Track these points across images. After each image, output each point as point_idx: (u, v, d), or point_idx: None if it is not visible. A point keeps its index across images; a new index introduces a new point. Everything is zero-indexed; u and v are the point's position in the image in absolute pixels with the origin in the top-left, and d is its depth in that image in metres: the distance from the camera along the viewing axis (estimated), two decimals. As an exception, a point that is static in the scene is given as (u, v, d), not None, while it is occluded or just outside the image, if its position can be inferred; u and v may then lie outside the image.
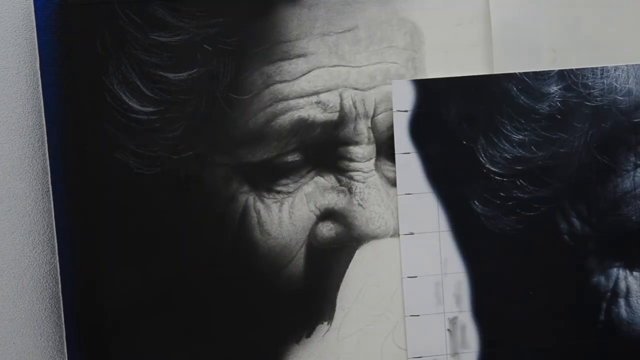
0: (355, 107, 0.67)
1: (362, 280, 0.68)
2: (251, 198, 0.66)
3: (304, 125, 0.66)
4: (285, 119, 0.66)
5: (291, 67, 0.66)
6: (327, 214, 0.67)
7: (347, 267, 0.68)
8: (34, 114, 0.64)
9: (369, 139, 0.67)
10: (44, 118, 0.63)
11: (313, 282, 0.67)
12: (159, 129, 0.64)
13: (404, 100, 0.68)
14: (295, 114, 0.66)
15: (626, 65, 0.70)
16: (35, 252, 0.65)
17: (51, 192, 0.63)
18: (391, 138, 0.68)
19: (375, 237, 0.68)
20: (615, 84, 0.69)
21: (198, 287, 0.65)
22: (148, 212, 0.64)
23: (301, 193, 0.67)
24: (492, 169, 0.69)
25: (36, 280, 0.65)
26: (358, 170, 0.67)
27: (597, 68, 0.69)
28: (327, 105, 0.66)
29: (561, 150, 0.69)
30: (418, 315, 0.69)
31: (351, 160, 0.67)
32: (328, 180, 0.67)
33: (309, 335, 0.67)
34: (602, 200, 0.70)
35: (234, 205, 0.66)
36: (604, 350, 0.70)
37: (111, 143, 0.63)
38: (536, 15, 0.70)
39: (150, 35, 0.63)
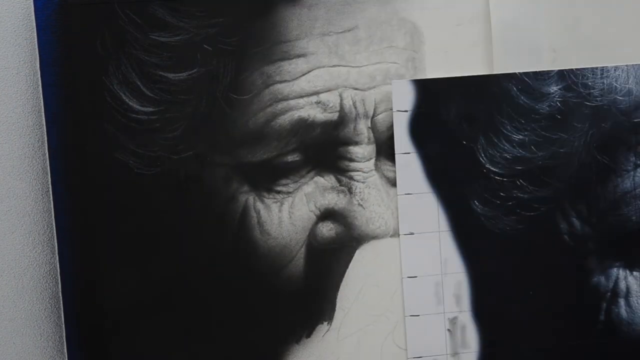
0: (355, 107, 0.67)
1: (362, 280, 0.68)
2: (251, 198, 0.66)
3: (304, 125, 0.66)
4: (285, 119, 0.66)
5: (291, 67, 0.66)
6: (327, 214, 0.67)
7: (347, 267, 0.68)
8: (34, 114, 0.64)
9: (369, 139, 0.67)
10: (44, 118, 0.63)
11: (313, 282, 0.67)
12: (159, 129, 0.64)
13: (404, 100, 0.68)
14: (295, 114, 0.66)
15: (626, 65, 0.70)
16: (35, 252, 0.65)
17: (51, 192, 0.63)
18: (391, 138, 0.68)
19: (375, 237, 0.68)
20: (615, 84, 0.69)
21: (198, 287, 0.65)
22: (148, 212, 0.64)
23: (301, 193, 0.67)
24: (492, 169, 0.69)
25: (36, 280, 0.65)
26: (358, 170, 0.67)
27: (597, 68, 0.69)
28: (327, 105, 0.66)
29: (561, 150, 0.69)
30: (418, 315, 0.69)
31: (351, 160, 0.67)
32: (328, 180, 0.67)
33: (309, 335, 0.67)
34: (602, 200, 0.70)
35: (234, 205, 0.66)
36: (604, 350, 0.70)
37: (111, 143, 0.63)
38: (536, 15, 0.70)
39: (150, 35, 0.63)
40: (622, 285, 0.70)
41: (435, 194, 0.68)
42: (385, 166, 0.68)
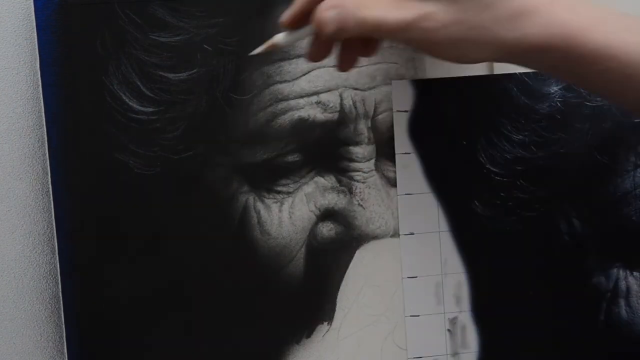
0: (355, 107, 0.67)
1: (362, 280, 0.68)
2: (251, 198, 0.66)
3: (304, 125, 0.66)
4: (285, 119, 0.66)
5: (291, 67, 0.66)
6: (327, 214, 0.67)
7: (347, 267, 0.68)
8: (34, 114, 0.64)
9: (369, 139, 0.67)
10: (44, 118, 0.63)
11: (313, 282, 0.67)
12: (159, 129, 0.64)
13: (404, 100, 0.68)
14: (295, 114, 0.66)
15: (626, 65, 0.70)
16: (35, 252, 0.65)
17: (51, 192, 0.63)
18: (391, 138, 0.68)
19: (375, 237, 0.68)
20: (615, 84, 0.69)
21: (198, 287, 0.65)
22: (148, 212, 0.64)
23: (301, 193, 0.67)
24: (492, 169, 0.69)
25: (36, 280, 0.65)
26: (358, 171, 0.67)
27: (597, 68, 0.69)
28: (327, 105, 0.66)
29: (561, 150, 0.69)
30: (418, 315, 0.69)
31: (351, 160, 0.67)
32: (328, 180, 0.67)
33: (309, 335, 0.67)
34: (602, 201, 0.70)
35: (234, 205, 0.66)
36: (604, 350, 0.70)
37: (111, 143, 0.63)
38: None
39: (150, 35, 0.63)
40: (622, 285, 0.70)
41: (435, 194, 0.68)
42: (385, 166, 0.68)
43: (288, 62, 0.66)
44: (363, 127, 0.67)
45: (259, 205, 0.66)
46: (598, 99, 0.69)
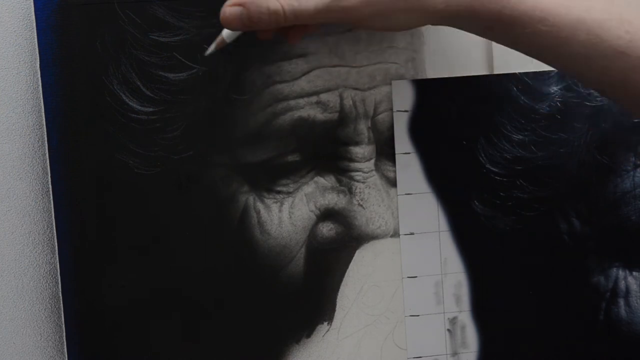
0: (355, 107, 0.67)
1: (362, 280, 0.68)
2: (251, 198, 0.66)
3: (304, 125, 0.66)
4: (285, 119, 0.66)
5: (291, 67, 0.66)
6: (327, 214, 0.67)
7: (347, 267, 0.68)
8: (34, 114, 0.64)
9: (369, 139, 0.67)
10: (44, 118, 0.63)
11: (313, 282, 0.67)
12: (159, 129, 0.64)
13: (404, 100, 0.68)
14: (295, 114, 0.66)
15: (626, 65, 0.70)
16: (35, 252, 0.65)
17: (51, 192, 0.63)
18: (391, 138, 0.68)
19: (375, 237, 0.68)
20: (615, 84, 0.69)
21: (198, 287, 0.65)
22: (148, 212, 0.64)
23: (301, 193, 0.67)
24: (492, 169, 0.69)
25: (36, 280, 0.65)
26: (358, 171, 0.67)
27: (597, 68, 0.69)
28: (327, 105, 0.66)
29: (561, 150, 0.69)
30: (418, 315, 0.69)
31: (351, 160, 0.67)
32: (328, 180, 0.67)
33: (309, 335, 0.67)
34: (602, 200, 0.70)
35: (234, 205, 0.66)
36: (603, 350, 0.70)
37: (111, 143, 0.63)
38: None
39: (150, 35, 0.63)
40: (622, 285, 0.70)
41: (435, 194, 0.68)
42: (385, 166, 0.68)
43: (288, 62, 0.66)
44: (363, 127, 0.67)
45: (259, 205, 0.66)
46: (598, 98, 0.69)
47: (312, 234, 0.67)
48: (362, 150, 0.67)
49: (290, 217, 0.66)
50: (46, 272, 0.65)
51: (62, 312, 0.64)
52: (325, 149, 0.67)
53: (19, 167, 0.64)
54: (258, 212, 0.66)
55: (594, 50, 0.51)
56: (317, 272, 0.67)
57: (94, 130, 0.63)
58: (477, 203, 0.69)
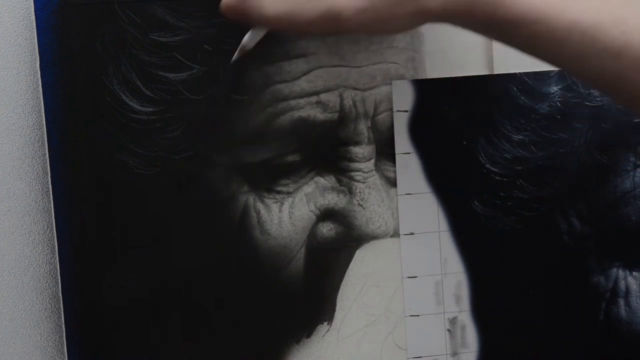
0: (355, 107, 0.67)
1: (362, 280, 0.68)
2: (251, 198, 0.66)
3: (304, 125, 0.66)
4: (285, 119, 0.66)
5: (291, 67, 0.66)
6: (327, 214, 0.67)
7: (347, 267, 0.68)
8: (34, 114, 0.64)
9: (369, 139, 0.67)
10: (44, 118, 0.63)
11: (313, 282, 0.67)
12: (159, 129, 0.64)
13: (404, 100, 0.68)
14: (295, 114, 0.66)
15: (626, 65, 0.70)
16: (35, 252, 0.65)
17: (51, 192, 0.63)
18: (391, 138, 0.68)
19: (375, 237, 0.68)
20: (615, 84, 0.69)
21: (198, 287, 0.65)
22: (148, 212, 0.64)
23: (301, 193, 0.67)
24: (492, 169, 0.69)
25: (36, 280, 0.65)
26: (358, 171, 0.67)
27: (597, 68, 0.69)
28: (327, 105, 0.66)
29: (561, 150, 0.69)
30: (418, 315, 0.69)
31: (351, 160, 0.67)
32: (328, 180, 0.67)
33: (309, 335, 0.67)
34: (602, 200, 0.70)
35: (234, 205, 0.66)
36: (603, 350, 0.70)
37: (111, 143, 0.63)
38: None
39: (150, 35, 0.63)
40: (622, 285, 0.70)
41: (435, 194, 0.68)
42: (385, 166, 0.68)
43: (288, 62, 0.66)
44: (363, 127, 0.67)
45: (259, 205, 0.66)
46: (598, 98, 0.69)
47: (312, 234, 0.67)
48: (362, 150, 0.67)
49: (290, 217, 0.66)
50: (46, 272, 0.65)
51: (62, 312, 0.64)
52: (325, 149, 0.67)
53: (19, 167, 0.64)
54: (258, 212, 0.66)
55: (589, 50, 0.51)
56: (317, 272, 0.67)
57: (94, 130, 0.63)
58: (477, 203, 0.69)
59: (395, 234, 0.68)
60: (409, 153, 0.68)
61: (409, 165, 0.68)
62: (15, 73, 0.64)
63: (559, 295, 0.70)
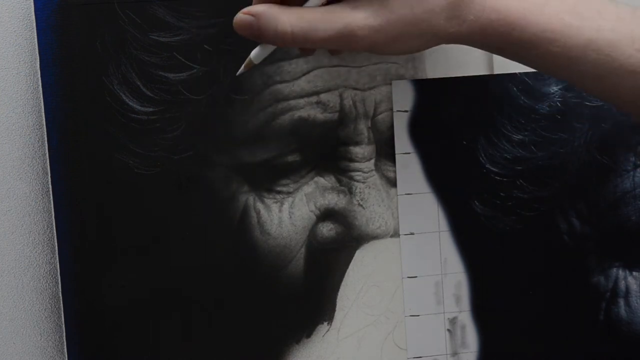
0: (355, 107, 0.67)
1: (362, 280, 0.68)
2: (251, 198, 0.66)
3: (304, 125, 0.66)
4: (285, 119, 0.66)
5: (291, 67, 0.66)
6: (327, 214, 0.67)
7: (347, 267, 0.68)
8: (34, 114, 0.64)
9: (369, 139, 0.67)
10: (44, 118, 0.63)
11: (313, 282, 0.67)
12: (159, 129, 0.64)
13: (404, 100, 0.68)
14: (295, 114, 0.66)
15: (626, 66, 0.70)
16: (35, 252, 0.65)
17: (51, 192, 0.63)
18: (391, 138, 0.68)
19: (375, 237, 0.68)
20: (615, 84, 0.69)
21: (198, 287, 0.65)
22: (148, 212, 0.64)
23: (301, 193, 0.67)
24: (492, 169, 0.69)
25: (36, 280, 0.65)
26: (358, 171, 0.67)
27: (597, 68, 0.69)
28: (327, 105, 0.66)
29: (561, 150, 0.69)
30: (418, 315, 0.69)
31: (351, 160, 0.67)
32: (328, 180, 0.67)
33: (309, 335, 0.67)
34: (602, 200, 0.70)
35: (234, 205, 0.66)
36: (603, 350, 0.70)
37: (111, 143, 0.63)
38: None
39: (150, 35, 0.63)
40: (622, 285, 0.70)
41: (435, 194, 0.68)
42: (385, 166, 0.68)
43: (288, 62, 0.66)
44: (363, 127, 0.67)
45: (259, 205, 0.66)
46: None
47: (312, 234, 0.67)
48: (362, 150, 0.67)
49: (290, 217, 0.66)
50: (46, 272, 0.65)
51: (62, 312, 0.64)
52: (325, 149, 0.67)
53: (19, 167, 0.64)
54: (258, 212, 0.66)
55: (604, 69, 0.51)
56: (317, 272, 0.67)
57: (94, 130, 0.63)
58: (477, 203, 0.69)
59: (395, 234, 0.68)
60: (409, 153, 0.68)
61: (409, 165, 0.68)
62: (15, 73, 0.64)
63: (559, 295, 0.70)
